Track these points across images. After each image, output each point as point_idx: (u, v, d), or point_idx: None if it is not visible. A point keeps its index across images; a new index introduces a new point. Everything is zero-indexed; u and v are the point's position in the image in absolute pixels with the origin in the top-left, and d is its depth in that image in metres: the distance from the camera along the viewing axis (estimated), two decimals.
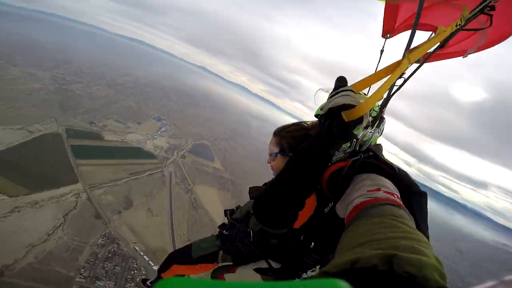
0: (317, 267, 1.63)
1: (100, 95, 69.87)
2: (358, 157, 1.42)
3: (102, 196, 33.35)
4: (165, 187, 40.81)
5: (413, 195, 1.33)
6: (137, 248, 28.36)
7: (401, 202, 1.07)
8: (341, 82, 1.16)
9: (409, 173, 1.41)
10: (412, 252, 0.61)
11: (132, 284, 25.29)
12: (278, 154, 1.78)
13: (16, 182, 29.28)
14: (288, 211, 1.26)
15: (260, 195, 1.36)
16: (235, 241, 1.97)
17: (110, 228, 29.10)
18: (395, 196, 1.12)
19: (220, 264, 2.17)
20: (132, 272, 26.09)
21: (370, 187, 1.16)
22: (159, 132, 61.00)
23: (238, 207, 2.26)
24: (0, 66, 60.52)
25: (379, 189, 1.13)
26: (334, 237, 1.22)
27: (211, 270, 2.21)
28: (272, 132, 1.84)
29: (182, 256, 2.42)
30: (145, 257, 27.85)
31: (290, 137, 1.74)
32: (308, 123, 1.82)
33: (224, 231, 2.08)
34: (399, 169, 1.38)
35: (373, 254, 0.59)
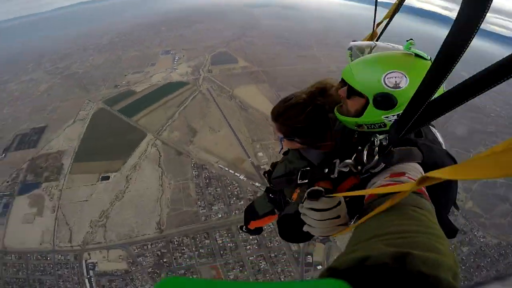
0: None
1: (99, 62, 68.13)
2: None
3: (170, 135, 36.81)
4: (211, 103, 42.54)
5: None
6: (221, 166, 31.84)
7: (425, 190, 1.01)
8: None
9: (447, 150, 1.33)
10: (428, 250, 0.58)
11: (234, 199, 28.54)
12: (284, 139, 1.80)
13: (109, 160, 33.46)
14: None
15: (280, 223, 1.72)
16: (281, 204, 2.23)
17: (193, 158, 32.75)
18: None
19: (279, 213, 2.47)
20: (229, 188, 29.49)
21: (395, 171, 1.13)
22: (175, 62, 59.50)
23: (273, 165, 2.28)
24: None
25: (403, 174, 1.10)
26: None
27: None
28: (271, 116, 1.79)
29: (253, 214, 2.81)
30: (230, 171, 31.32)
31: (289, 125, 1.71)
32: (304, 95, 1.70)
33: (270, 195, 2.32)
34: (431, 148, 1.26)
35: (385, 252, 0.57)
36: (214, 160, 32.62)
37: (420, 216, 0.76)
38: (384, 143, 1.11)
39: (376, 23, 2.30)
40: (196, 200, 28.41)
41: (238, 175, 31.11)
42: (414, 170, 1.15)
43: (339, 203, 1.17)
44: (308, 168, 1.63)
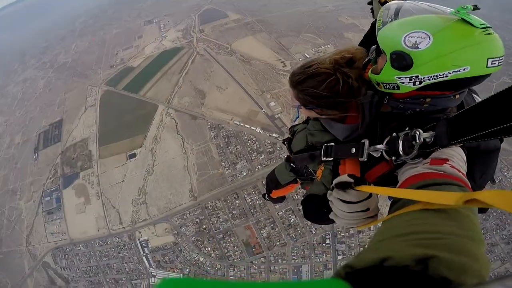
0: None
1: (85, 47, 65.13)
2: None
3: (180, 101, 36.98)
4: (212, 62, 41.65)
5: (480, 154, 1.19)
6: (236, 122, 31.95)
7: (466, 179, 0.92)
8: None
9: None
10: (458, 253, 0.54)
11: (254, 153, 28.56)
12: (301, 107, 1.67)
13: (130, 137, 34.22)
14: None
15: (304, 204, 1.58)
16: (304, 173, 2.23)
17: (208, 120, 33.06)
18: (462, 173, 0.98)
19: (302, 182, 2.53)
20: (248, 143, 29.43)
21: (436, 156, 1.01)
22: (163, 30, 56.54)
23: (292, 132, 2.17)
24: None
25: (446, 161, 1.00)
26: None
27: (300, 184, 2.66)
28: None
29: (275, 184, 2.83)
30: (246, 125, 31.34)
31: (309, 95, 1.57)
32: (328, 63, 1.52)
33: (292, 164, 2.29)
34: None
35: (408, 253, 0.54)
36: (228, 118, 32.89)
37: (459, 216, 0.71)
38: (428, 141, 0.99)
39: None
40: (220, 161, 28.72)
41: (254, 128, 31.22)
42: (457, 157, 1.08)
43: (370, 195, 1.09)
44: (333, 144, 1.50)
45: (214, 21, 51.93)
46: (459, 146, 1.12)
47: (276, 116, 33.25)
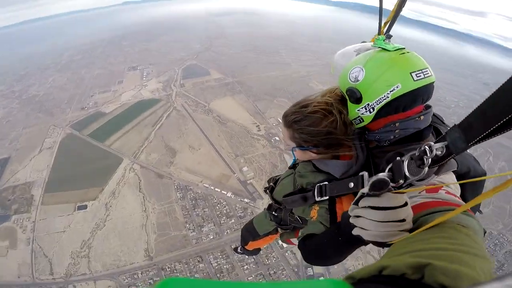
0: None
1: (61, 82, 63.97)
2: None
3: (148, 157, 35.65)
4: (188, 119, 41.92)
5: (468, 179, 1.31)
6: (206, 185, 31.26)
7: (462, 201, 0.98)
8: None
9: (471, 155, 1.34)
10: (452, 262, 0.55)
11: (224, 218, 28.13)
12: (296, 149, 1.67)
13: (84, 188, 31.88)
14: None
15: (304, 246, 1.49)
16: (286, 222, 2.10)
17: (176, 180, 31.88)
18: (457, 197, 1.04)
19: (282, 232, 2.44)
20: (217, 207, 29.00)
21: (430, 185, 1.04)
22: (144, 79, 57.54)
23: (274, 180, 2.21)
24: None
25: (440, 187, 1.04)
26: None
27: (279, 236, 2.53)
28: (282, 119, 1.66)
29: (252, 234, 2.69)
30: (216, 189, 30.86)
31: (305, 134, 1.56)
32: (323, 101, 1.56)
33: (274, 213, 2.15)
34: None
35: (405, 262, 0.55)
36: (198, 179, 32.11)
37: (460, 235, 0.74)
38: (438, 153, 0.95)
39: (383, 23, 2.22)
40: (184, 223, 27.73)
41: (225, 192, 30.80)
42: (450, 182, 1.13)
43: (406, 203, 0.97)
44: (326, 183, 1.49)
45: (196, 78, 54.29)
46: (451, 172, 1.19)
47: (248, 182, 33.11)
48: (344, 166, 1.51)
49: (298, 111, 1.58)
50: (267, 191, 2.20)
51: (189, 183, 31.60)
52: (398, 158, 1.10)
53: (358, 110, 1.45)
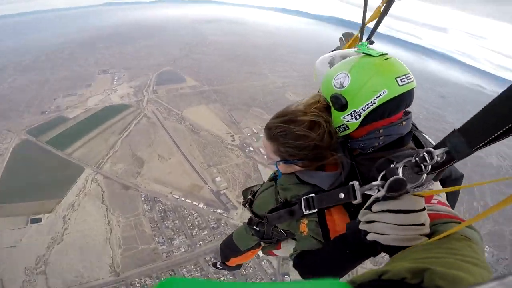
0: None
1: (22, 83, 59.27)
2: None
3: (113, 167, 33.51)
4: (159, 127, 40.23)
5: (451, 182, 1.37)
6: (176, 196, 30.16)
7: (455, 212, 1.02)
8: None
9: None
10: (451, 268, 0.56)
11: (196, 229, 27.47)
12: (281, 163, 1.57)
13: (39, 200, 29.53)
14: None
15: (301, 264, 1.44)
16: (270, 236, 1.98)
17: (143, 191, 30.30)
18: (449, 206, 1.08)
19: (264, 245, 2.33)
20: (189, 219, 28.21)
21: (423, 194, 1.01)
22: (115, 83, 54.80)
23: (251, 192, 2.13)
24: None
25: (431, 197, 1.08)
26: None
27: (261, 249, 2.42)
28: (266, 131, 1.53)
29: (233, 250, 2.56)
30: (187, 200, 29.88)
31: (292, 148, 1.45)
32: (308, 111, 1.48)
33: (255, 227, 2.00)
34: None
35: (405, 267, 0.55)
36: (167, 190, 30.77)
37: (463, 246, 0.72)
38: (438, 160, 0.91)
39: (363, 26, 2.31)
40: (153, 236, 26.51)
41: (197, 203, 29.86)
42: (439, 190, 1.11)
43: (424, 207, 0.92)
44: (313, 195, 1.41)
45: (171, 84, 52.77)
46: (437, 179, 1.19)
47: (221, 192, 32.30)
48: (331, 178, 1.47)
49: (284, 125, 1.46)
50: (246, 204, 2.10)
51: (157, 194, 30.21)
52: (392, 165, 1.07)
53: (344, 118, 1.42)
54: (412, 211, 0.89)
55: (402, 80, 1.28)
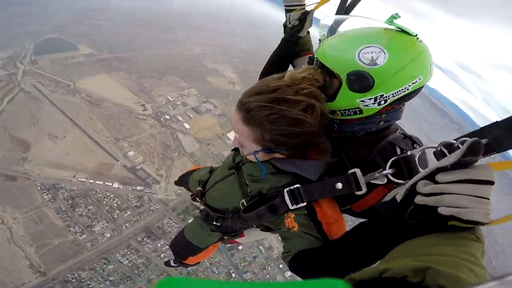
0: None
1: None
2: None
3: None
4: (44, 102, 33.22)
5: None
6: (82, 179, 26.60)
7: None
8: None
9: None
10: (452, 267, 0.55)
11: (116, 211, 25.56)
12: (260, 152, 1.25)
13: None
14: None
15: (300, 267, 1.24)
16: (236, 229, 1.81)
17: (36, 180, 25.52)
18: None
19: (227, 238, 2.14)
20: (105, 201, 25.75)
21: None
22: None
23: (200, 184, 1.87)
24: None
25: None
26: None
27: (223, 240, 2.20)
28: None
29: (190, 249, 2.26)
30: (97, 182, 26.77)
31: (281, 135, 1.17)
32: (300, 88, 1.12)
33: (216, 223, 1.78)
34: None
35: (406, 265, 0.55)
36: (69, 175, 26.72)
37: (470, 245, 0.68)
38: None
39: None
40: (67, 227, 23.56)
41: (110, 184, 27.00)
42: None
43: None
44: (298, 186, 1.18)
45: (57, 53, 43.33)
46: None
47: (137, 167, 29.53)
48: (319, 167, 1.26)
49: (273, 105, 1.11)
50: (197, 198, 1.86)
51: (57, 181, 26.06)
52: (408, 152, 1.00)
53: (362, 101, 1.17)
54: (489, 182, 0.75)
55: (432, 68, 1.15)
